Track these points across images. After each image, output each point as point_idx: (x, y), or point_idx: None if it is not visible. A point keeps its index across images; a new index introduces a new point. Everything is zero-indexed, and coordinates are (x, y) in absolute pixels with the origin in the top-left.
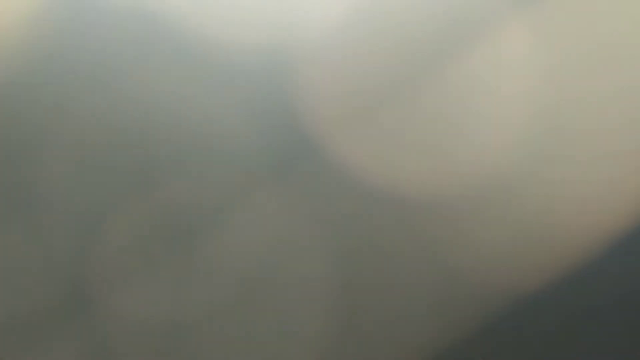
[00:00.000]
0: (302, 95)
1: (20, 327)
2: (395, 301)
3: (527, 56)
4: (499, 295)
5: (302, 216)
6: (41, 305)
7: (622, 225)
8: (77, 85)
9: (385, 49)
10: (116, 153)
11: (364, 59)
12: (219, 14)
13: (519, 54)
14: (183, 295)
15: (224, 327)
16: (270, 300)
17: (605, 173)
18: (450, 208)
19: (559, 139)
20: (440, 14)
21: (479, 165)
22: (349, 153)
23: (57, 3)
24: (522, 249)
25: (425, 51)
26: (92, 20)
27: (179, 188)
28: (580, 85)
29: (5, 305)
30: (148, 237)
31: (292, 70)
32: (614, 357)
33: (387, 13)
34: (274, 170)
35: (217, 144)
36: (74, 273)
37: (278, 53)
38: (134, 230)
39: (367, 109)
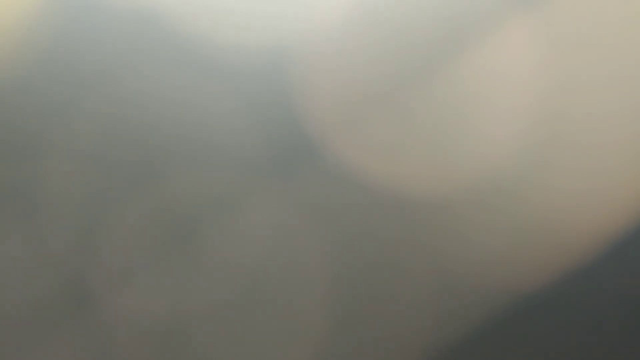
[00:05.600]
0: (302, 94)
1: (20, 327)
2: (395, 300)
3: (528, 57)
4: (498, 294)
5: (302, 215)
6: (41, 305)
7: (622, 225)
8: (78, 86)
9: (385, 49)
10: (117, 152)
11: (364, 59)
12: (220, 15)
13: (520, 56)
14: (183, 294)
15: (225, 325)
16: (270, 298)
17: (606, 174)
18: (450, 208)
19: (559, 140)
20: (441, 14)
21: (478, 165)
22: (349, 152)
23: (57, 4)
24: (521, 249)
25: (425, 53)
26: (92, 21)
27: (179, 188)
28: (581, 86)
29: (6, 304)
30: (149, 237)
31: (293, 70)
32: (614, 357)
33: (387, 12)
34: (275, 169)
35: (217, 144)
36: (74, 272)
37: (278, 53)
38: (135, 229)
39: (366, 109)
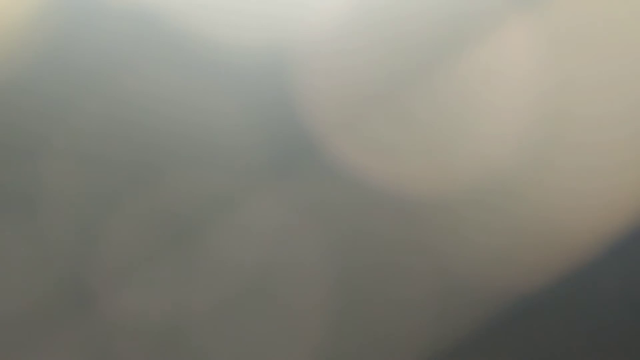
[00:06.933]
0: (302, 93)
1: (20, 327)
2: (395, 300)
3: (528, 57)
4: (499, 295)
5: (302, 215)
6: (41, 305)
7: (622, 225)
8: (78, 86)
9: (385, 49)
10: (117, 153)
11: (364, 59)
12: (220, 15)
13: (520, 56)
14: (183, 294)
15: (225, 325)
16: (270, 298)
17: (606, 174)
18: (450, 208)
19: (559, 140)
20: (441, 13)
21: (478, 165)
22: (349, 152)
23: (57, 4)
24: (521, 249)
25: (425, 53)
26: (92, 21)
27: (179, 188)
28: (582, 85)
29: (6, 304)
30: (149, 237)
31: (293, 70)
32: (614, 357)
33: (387, 12)
34: (275, 169)
35: (217, 144)
36: (74, 272)
37: (278, 53)
38: (135, 229)
39: (366, 109)
